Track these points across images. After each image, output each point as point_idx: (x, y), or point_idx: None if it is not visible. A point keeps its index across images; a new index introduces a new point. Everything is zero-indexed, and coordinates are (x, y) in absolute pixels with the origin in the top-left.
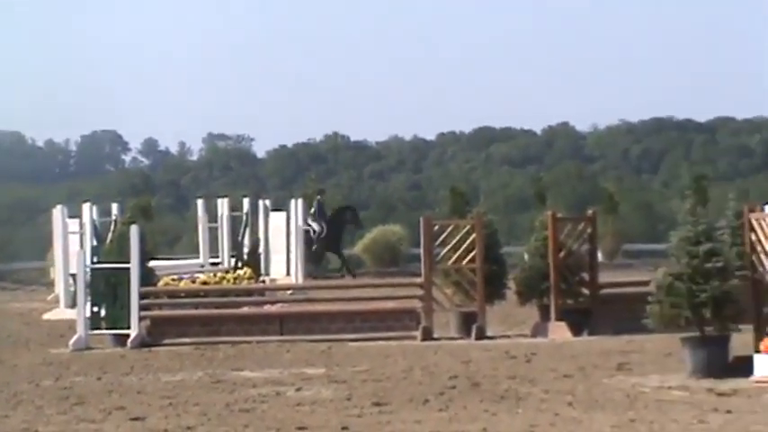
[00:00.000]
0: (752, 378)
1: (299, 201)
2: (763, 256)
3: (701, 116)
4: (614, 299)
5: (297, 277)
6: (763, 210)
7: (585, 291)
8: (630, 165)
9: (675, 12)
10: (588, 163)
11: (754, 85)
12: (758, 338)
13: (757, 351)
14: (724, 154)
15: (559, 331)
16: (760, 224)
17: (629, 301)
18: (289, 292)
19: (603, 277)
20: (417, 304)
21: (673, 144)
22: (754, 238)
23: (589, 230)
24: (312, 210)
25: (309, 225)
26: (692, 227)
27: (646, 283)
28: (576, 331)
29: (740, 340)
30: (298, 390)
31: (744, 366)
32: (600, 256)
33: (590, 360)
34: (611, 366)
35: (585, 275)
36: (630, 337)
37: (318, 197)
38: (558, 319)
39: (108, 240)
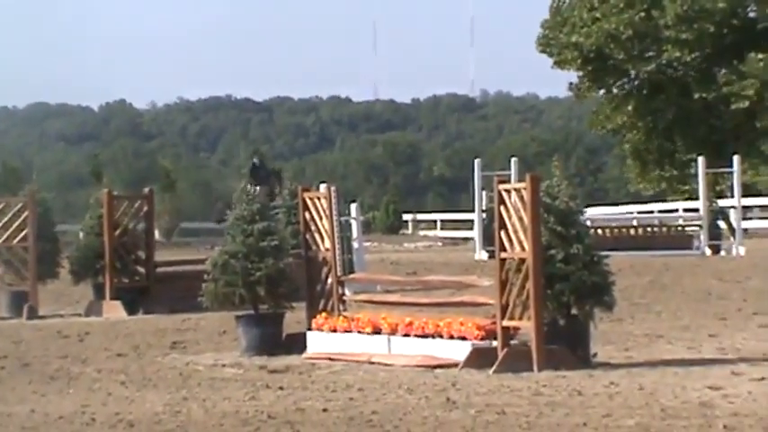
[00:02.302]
0: (304, 355)
1: None
2: (317, 235)
3: (259, 95)
4: (170, 277)
5: None
6: (318, 189)
7: (141, 269)
8: (188, 143)
9: None
10: (146, 141)
11: (307, 66)
12: (311, 316)
13: (309, 328)
14: (281, 133)
15: (114, 310)
16: (314, 203)
17: (186, 280)
18: None
19: (160, 256)
20: None
21: (231, 123)
22: (308, 216)
23: (146, 209)
24: None
25: None
26: (247, 206)
27: (202, 262)
28: (132, 310)
29: (294, 318)
30: None
31: (297, 343)
32: (157, 234)
33: (144, 339)
34: (166, 345)
35: (141, 254)
36: (186, 315)
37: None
38: (113, 298)
39: None
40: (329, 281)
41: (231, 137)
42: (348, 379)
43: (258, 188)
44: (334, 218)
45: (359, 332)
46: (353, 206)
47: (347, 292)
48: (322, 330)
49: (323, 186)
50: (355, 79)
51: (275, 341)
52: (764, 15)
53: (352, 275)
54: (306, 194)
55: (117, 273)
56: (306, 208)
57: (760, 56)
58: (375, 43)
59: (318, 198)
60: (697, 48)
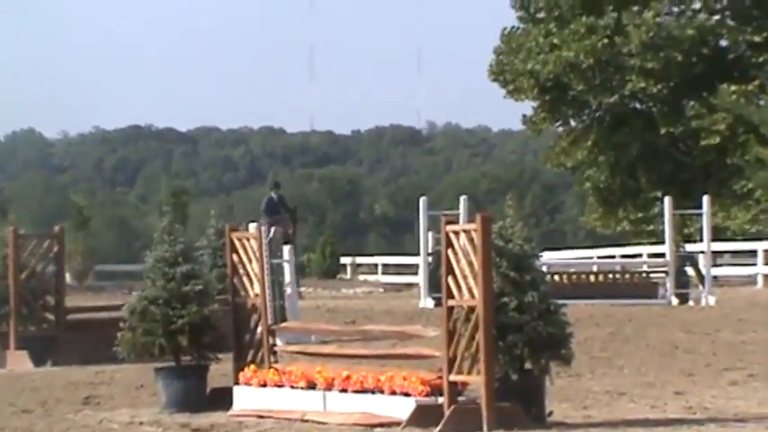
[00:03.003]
0: (231, 412)
1: None
2: (245, 279)
3: (183, 125)
4: (83, 325)
5: None
6: (247, 228)
7: (50, 316)
8: (104, 176)
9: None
10: (57, 174)
11: (237, 94)
12: (238, 368)
13: (236, 382)
14: (207, 166)
15: (19, 361)
16: (243, 244)
17: (100, 328)
18: None
19: (72, 301)
20: None
21: (151, 154)
22: (236, 259)
23: (56, 249)
24: None
25: None
26: (169, 246)
27: (118, 308)
28: (39, 361)
29: (220, 370)
30: None
31: (223, 399)
32: (68, 277)
33: (53, 393)
34: (77, 400)
35: (51, 299)
36: (100, 367)
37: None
38: (19, 347)
39: None
40: (259, 330)
41: (151, 170)
42: None
43: (273, 229)
44: (265, 260)
45: (291, 387)
46: (286, 248)
47: (279, 342)
48: (250, 385)
49: (253, 226)
50: (289, 108)
51: (199, 396)
52: (736, 44)
53: (284, 324)
54: (234, 234)
55: (23, 320)
56: (234, 249)
57: (732, 87)
58: (312, 69)
59: (248, 238)
60: (664, 78)
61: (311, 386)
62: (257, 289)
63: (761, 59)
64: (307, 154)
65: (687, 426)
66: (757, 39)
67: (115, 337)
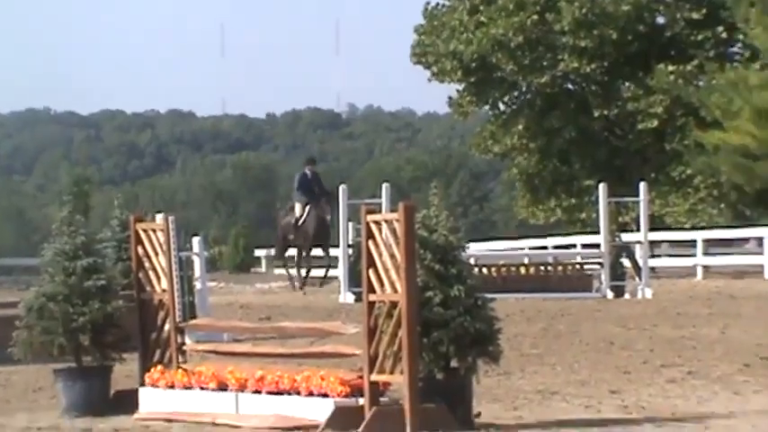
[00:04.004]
0: (136, 415)
1: None
2: (152, 274)
3: (84, 108)
4: None
5: None
6: (153, 219)
7: None
8: None
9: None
10: None
11: (143, 76)
12: (144, 369)
13: (142, 384)
14: (111, 153)
15: None
16: (149, 236)
17: None
18: None
19: None
20: None
21: (50, 141)
22: (141, 252)
23: None
24: None
25: None
26: (69, 239)
27: (14, 305)
28: None
29: (124, 371)
30: None
31: (128, 402)
32: None
33: None
34: None
35: None
36: None
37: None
38: None
39: None
40: (166, 328)
41: (50, 157)
42: None
43: (308, 209)
44: (173, 254)
45: (201, 388)
46: (196, 240)
47: (188, 340)
48: (157, 386)
49: (159, 216)
50: (200, 91)
51: (101, 399)
52: (674, 21)
53: (193, 321)
54: (139, 225)
55: None
56: (139, 242)
57: (670, 67)
58: (223, 49)
59: (154, 230)
60: (598, 57)
61: (223, 387)
62: (164, 284)
63: (700, 37)
64: (218, 139)
65: (622, 426)
66: (696, 15)
67: (10, 336)
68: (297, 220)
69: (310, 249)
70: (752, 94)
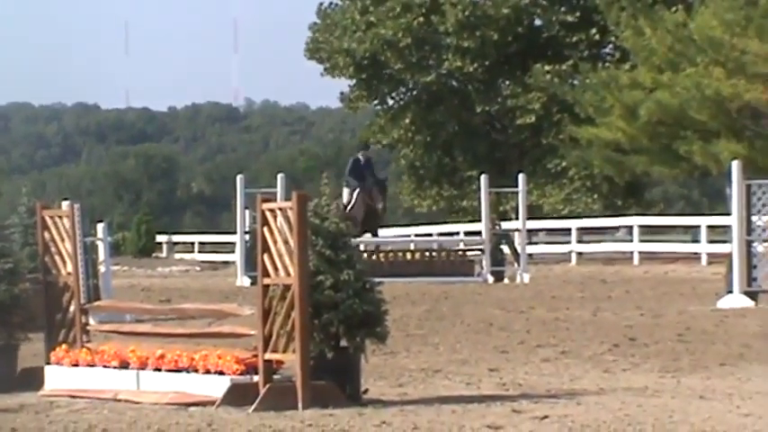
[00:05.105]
0: (42, 392)
1: None
2: (57, 258)
3: None
4: None
5: None
6: (60, 206)
7: None
8: None
9: None
10: None
11: (50, 70)
12: (50, 348)
13: (48, 362)
14: (18, 143)
15: None
16: (55, 222)
17: None
18: None
19: None
20: None
21: None
22: (48, 237)
23: None
24: None
25: None
26: None
27: None
28: None
29: (31, 350)
30: None
31: (34, 379)
32: None
33: None
34: None
35: None
36: None
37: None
38: None
39: None
40: (71, 309)
41: None
42: (91, 418)
43: (357, 196)
44: (78, 239)
45: (104, 366)
46: (100, 226)
47: (92, 321)
48: (62, 364)
49: (65, 203)
50: (104, 85)
51: (8, 377)
52: (550, 23)
53: (97, 303)
54: (45, 212)
55: None
56: (45, 227)
57: (547, 67)
58: (127, 45)
59: (60, 216)
60: (479, 57)
61: (124, 366)
62: (70, 267)
63: (574, 39)
64: (122, 131)
65: (500, 402)
66: (571, 18)
67: None
68: (345, 206)
69: (356, 237)
70: (622, 92)
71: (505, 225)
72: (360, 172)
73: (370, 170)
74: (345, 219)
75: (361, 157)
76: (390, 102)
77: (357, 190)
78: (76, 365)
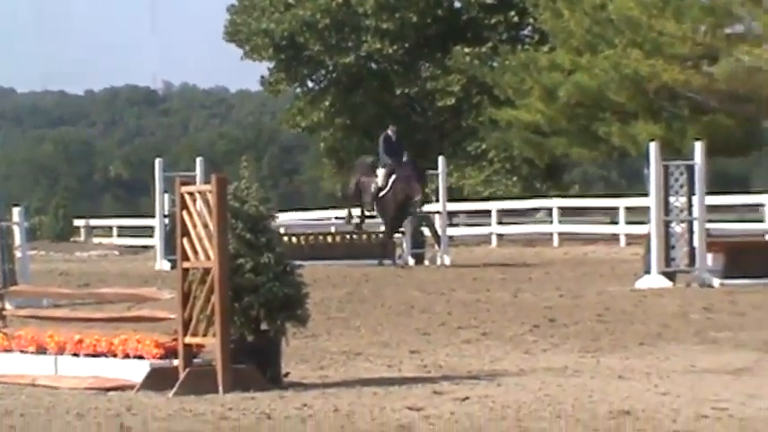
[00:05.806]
0: None
1: None
2: None
3: None
4: None
5: None
6: None
7: None
8: None
9: None
10: None
11: None
12: None
13: None
14: None
15: None
16: None
17: None
18: None
19: None
20: None
21: None
22: None
23: None
24: None
25: None
26: None
27: None
28: None
29: None
30: None
31: None
32: None
33: None
34: None
35: None
36: None
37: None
38: None
39: None
40: None
41: None
42: (8, 404)
43: (392, 182)
44: None
45: (21, 351)
46: (17, 210)
47: (8, 306)
48: None
49: None
50: (20, 68)
51: None
52: (469, 5)
53: (13, 288)
54: None
55: None
56: None
57: (466, 49)
58: (41, 28)
59: None
60: (399, 39)
61: (42, 351)
62: None
63: (493, 21)
64: (38, 115)
65: (421, 384)
66: (489, 0)
67: None
68: (379, 190)
69: (385, 224)
70: (541, 74)
71: (426, 207)
72: (394, 149)
73: (402, 148)
74: (376, 203)
75: (390, 133)
76: (310, 84)
77: (394, 176)
78: None
